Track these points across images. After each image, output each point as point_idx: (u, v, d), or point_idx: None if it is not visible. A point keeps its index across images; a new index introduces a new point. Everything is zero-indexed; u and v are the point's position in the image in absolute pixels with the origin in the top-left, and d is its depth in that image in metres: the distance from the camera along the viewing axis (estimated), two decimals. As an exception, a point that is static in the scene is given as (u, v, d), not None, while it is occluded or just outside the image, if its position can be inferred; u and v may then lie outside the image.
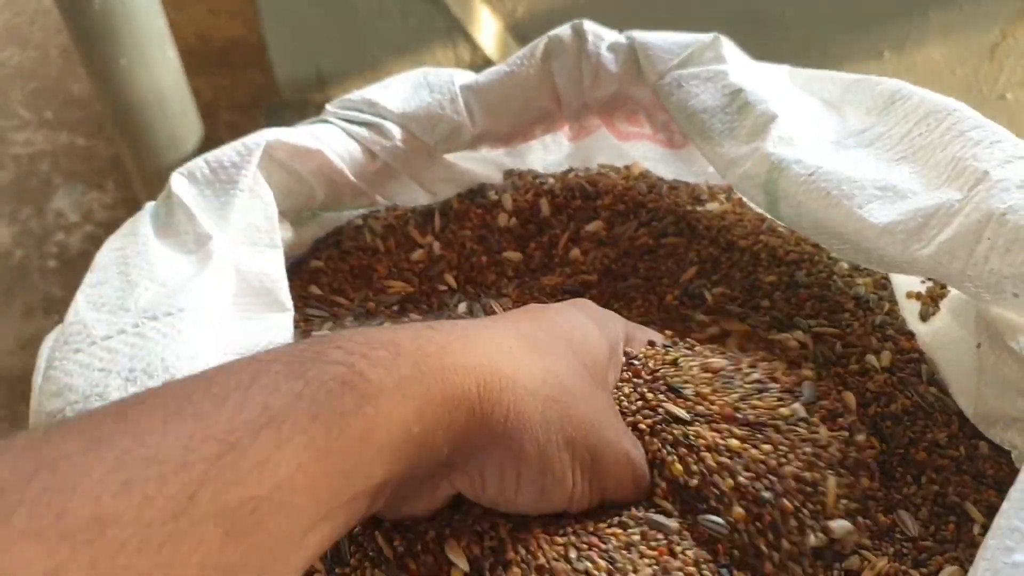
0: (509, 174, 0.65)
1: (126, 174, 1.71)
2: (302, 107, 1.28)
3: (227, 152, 0.51)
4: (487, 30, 1.26)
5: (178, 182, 0.50)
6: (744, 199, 0.61)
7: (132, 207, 1.73)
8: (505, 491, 0.41)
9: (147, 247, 0.48)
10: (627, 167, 0.65)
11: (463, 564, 0.41)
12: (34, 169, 1.81)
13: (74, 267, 1.61)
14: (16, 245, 1.67)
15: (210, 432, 0.29)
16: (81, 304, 0.46)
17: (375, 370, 0.35)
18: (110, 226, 1.66)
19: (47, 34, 2.11)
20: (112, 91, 1.15)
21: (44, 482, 0.26)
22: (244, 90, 1.85)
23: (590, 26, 0.59)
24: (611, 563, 0.40)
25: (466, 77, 0.60)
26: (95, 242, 1.65)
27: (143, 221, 0.50)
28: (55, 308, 1.52)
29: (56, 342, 0.45)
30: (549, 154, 0.66)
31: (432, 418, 0.36)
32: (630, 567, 0.40)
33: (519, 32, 1.28)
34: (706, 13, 1.26)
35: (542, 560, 0.41)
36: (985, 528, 0.42)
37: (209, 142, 1.34)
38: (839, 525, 0.41)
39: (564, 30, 0.59)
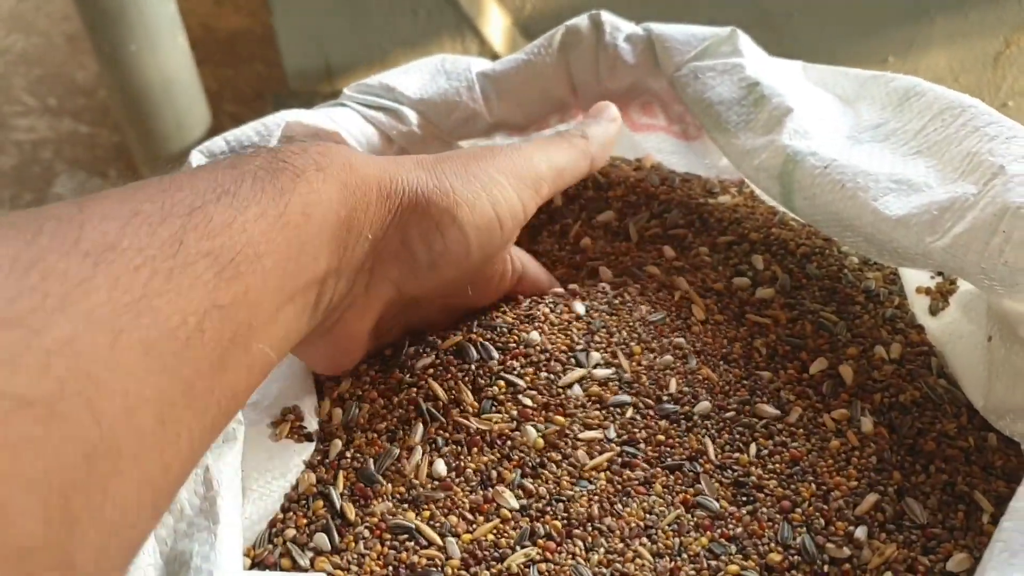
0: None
1: (129, 162, 1.71)
2: (310, 98, 1.29)
3: (246, 131, 0.52)
4: (496, 26, 1.27)
5: (198, 160, 0.50)
6: (757, 192, 0.62)
7: (134, 195, 1.73)
8: (434, 257, 0.46)
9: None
10: (639, 159, 0.65)
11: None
12: (36, 156, 1.81)
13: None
14: (16, 231, 1.67)
15: (178, 199, 0.34)
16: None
17: (294, 157, 0.40)
18: (111, 214, 1.67)
19: (52, 21, 2.11)
20: (121, 77, 1.15)
21: (52, 227, 0.30)
22: (248, 81, 1.86)
23: (607, 17, 0.59)
24: None
25: (483, 65, 0.60)
26: (96, 230, 1.65)
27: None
28: (55, 294, 1.51)
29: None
30: (562, 144, 0.66)
31: (351, 200, 0.41)
32: None
33: (527, 28, 1.28)
34: (714, 14, 1.27)
35: None
36: (995, 517, 0.42)
37: (213, 133, 1.34)
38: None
39: (582, 20, 0.59)
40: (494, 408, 0.48)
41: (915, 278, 0.56)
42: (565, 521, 0.44)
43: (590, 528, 0.43)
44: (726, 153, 0.56)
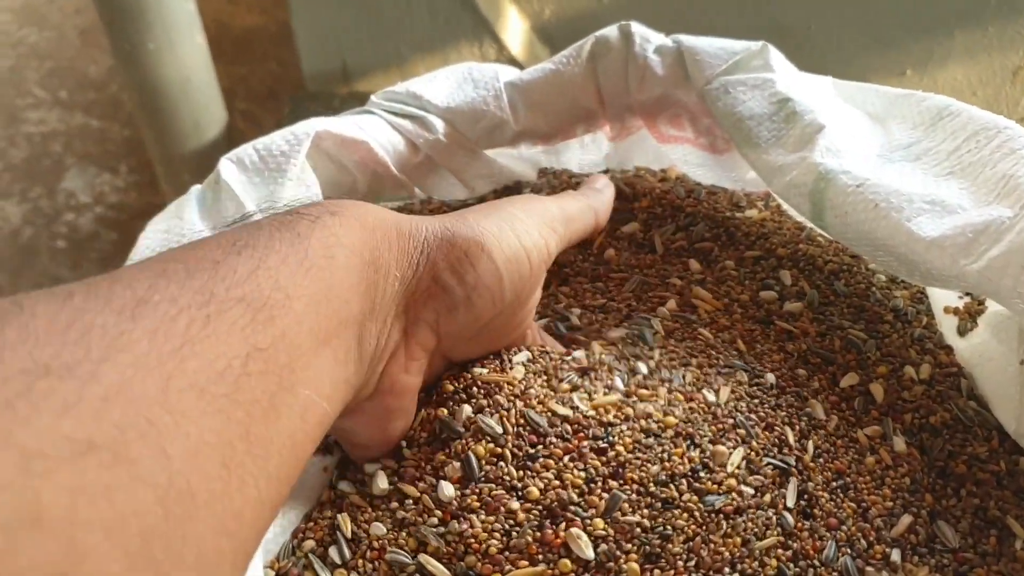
0: (543, 172, 0.65)
1: (139, 157, 1.71)
2: (327, 99, 1.28)
3: (276, 140, 0.52)
4: (514, 30, 1.26)
5: (227, 168, 0.50)
6: (784, 207, 0.61)
7: (144, 190, 1.74)
8: (467, 291, 0.44)
9: (193, 232, 0.48)
10: (664, 171, 0.65)
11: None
12: (47, 149, 1.81)
13: (83, 248, 1.61)
14: (26, 224, 1.67)
15: (200, 255, 0.34)
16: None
17: (307, 208, 0.40)
18: (121, 209, 1.67)
19: (65, 15, 2.11)
20: (138, 74, 1.15)
21: (82, 290, 0.30)
22: (261, 80, 1.85)
23: (637, 28, 0.59)
24: None
25: (511, 74, 0.60)
26: (105, 224, 1.65)
27: (189, 205, 0.50)
28: (63, 288, 1.51)
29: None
30: (587, 154, 0.66)
31: (372, 240, 0.41)
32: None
33: (545, 33, 1.28)
34: (732, 25, 1.27)
35: None
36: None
37: (228, 131, 1.34)
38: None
39: (611, 31, 0.59)
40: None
41: (943, 298, 0.55)
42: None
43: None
44: (756, 168, 0.55)
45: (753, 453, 0.45)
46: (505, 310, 0.47)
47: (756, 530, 0.42)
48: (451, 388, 0.48)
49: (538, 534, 0.41)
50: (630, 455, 0.44)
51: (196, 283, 0.33)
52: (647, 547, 0.41)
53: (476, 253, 0.44)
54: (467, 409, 0.46)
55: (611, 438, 0.45)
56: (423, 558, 0.42)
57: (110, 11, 1.11)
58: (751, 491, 0.43)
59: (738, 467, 0.44)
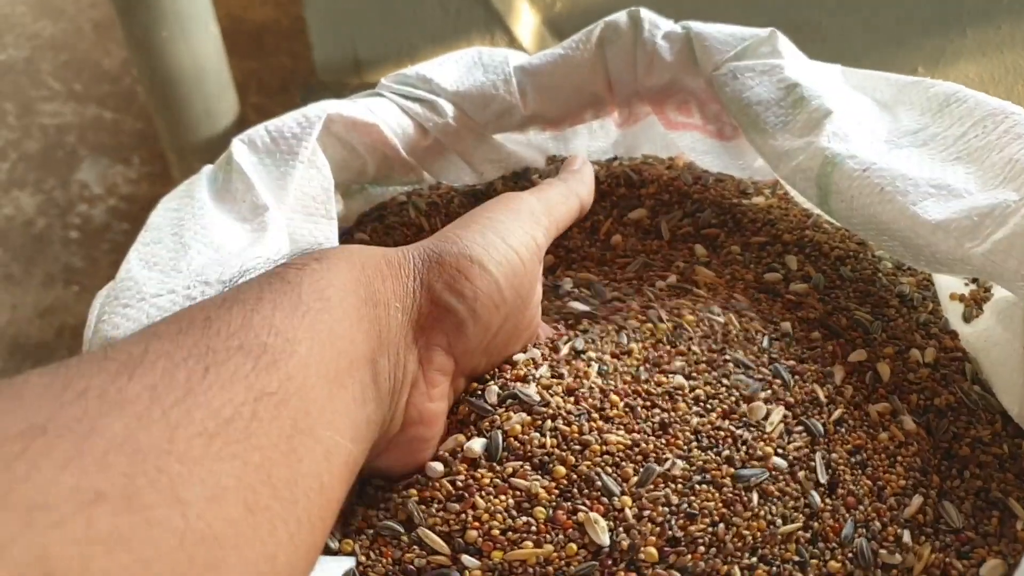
0: (552, 160, 0.65)
1: (152, 149, 1.72)
2: (338, 89, 1.29)
3: (287, 122, 0.52)
4: (525, 23, 1.27)
5: (239, 149, 0.51)
6: (791, 194, 0.62)
7: (157, 182, 1.75)
8: (469, 305, 0.44)
9: (203, 211, 0.48)
10: (671, 158, 0.65)
11: None
12: (61, 140, 1.82)
13: (95, 239, 1.62)
14: (39, 214, 1.68)
15: (192, 315, 0.35)
16: (133, 262, 0.46)
17: (292, 259, 0.40)
18: (133, 200, 1.68)
19: (80, 7, 2.12)
20: (151, 63, 1.16)
21: (76, 358, 0.31)
22: (274, 73, 1.86)
23: (646, 14, 0.59)
24: None
25: (520, 58, 0.60)
26: (118, 215, 1.66)
27: (200, 185, 0.50)
28: (75, 279, 1.52)
29: (107, 297, 0.45)
30: (595, 140, 0.66)
31: (364, 277, 0.41)
32: None
33: (556, 26, 1.28)
34: (744, 22, 1.27)
35: None
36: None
37: (240, 123, 1.35)
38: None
39: (620, 17, 0.59)
40: None
41: (949, 284, 0.55)
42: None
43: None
44: (763, 154, 0.55)
45: (791, 415, 0.45)
46: (511, 313, 0.46)
47: (784, 512, 0.42)
48: (474, 386, 0.48)
49: (551, 513, 0.42)
50: (670, 408, 0.45)
51: (190, 339, 0.33)
52: (670, 530, 0.41)
53: (467, 266, 0.44)
54: (495, 389, 0.47)
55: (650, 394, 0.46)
56: (421, 531, 0.42)
57: (124, 0, 1.11)
58: (785, 464, 0.43)
59: (779, 429, 0.45)
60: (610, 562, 0.40)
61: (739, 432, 0.44)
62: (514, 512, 0.42)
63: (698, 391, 0.46)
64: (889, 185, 0.47)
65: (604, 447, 0.43)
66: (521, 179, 0.63)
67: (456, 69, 0.59)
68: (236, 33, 1.86)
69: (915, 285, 0.55)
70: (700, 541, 0.40)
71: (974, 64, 1.34)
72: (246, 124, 1.47)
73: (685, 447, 0.43)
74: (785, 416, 0.45)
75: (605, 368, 0.47)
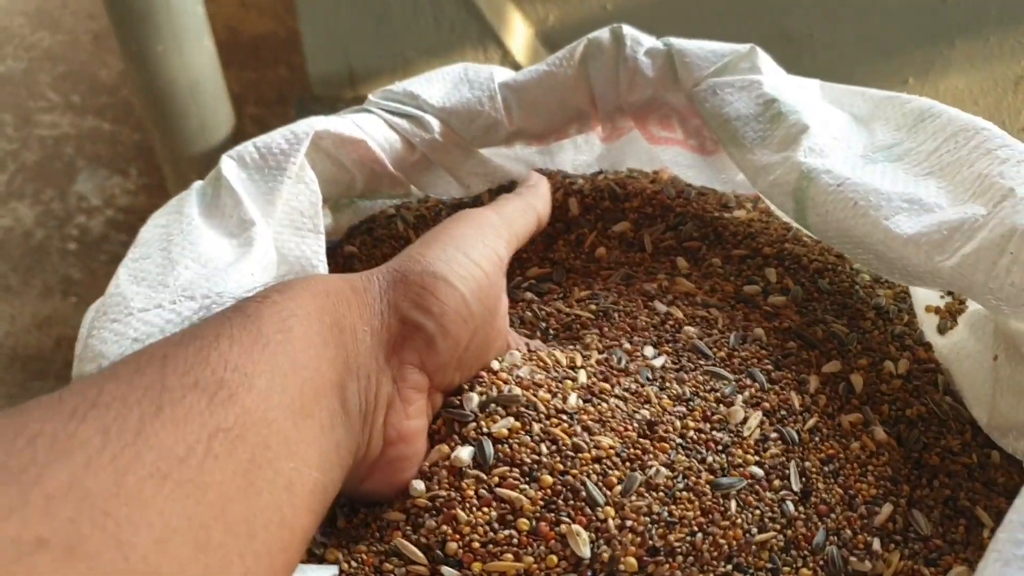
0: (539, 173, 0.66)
1: (150, 161, 1.73)
2: (333, 103, 1.30)
3: (276, 138, 0.53)
4: (518, 37, 1.28)
5: (228, 165, 0.51)
6: (771, 208, 0.63)
7: (154, 194, 1.76)
8: (438, 320, 0.44)
9: (191, 227, 0.49)
10: (655, 172, 0.66)
11: None
12: (59, 152, 1.83)
13: (93, 250, 1.63)
14: (38, 226, 1.69)
15: (149, 352, 0.35)
16: (122, 277, 0.47)
17: (254, 294, 0.41)
18: (131, 212, 1.68)
19: (78, 19, 2.13)
20: (147, 77, 1.17)
21: (32, 403, 0.31)
22: (271, 85, 1.87)
23: (628, 31, 0.60)
24: None
25: (505, 75, 0.61)
26: (115, 227, 1.67)
27: (190, 200, 0.51)
28: (73, 290, 1.53)
29: (96, 312, 0.46)
30: (580, 154, 0.67)
31: (328, 303, 0.41)
32: None
33: (549, 40, 1.29)
34: (734, 32, 1.28)
35: None
36: (995, 532, 0.43)
37: (236, 135, 1.36)
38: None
39: (603, 33, 0.60)
40: None
41: (925, 297, 0.56)
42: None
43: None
44: (742, 168, 0.56)
45: (767, 420, 0.46)
46: (479, 326, 0.47)
47: (760, 521, 0.43)
48: (451, 399, 0.48)
49: (534, 525, 0.42)
50: (649, 407, 0.46)
51: (146, 379, 0.33)
52: (650, 540, 0.41)
53: (432, 283, 0.45)
54: (474, 396, 0.47)
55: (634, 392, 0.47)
56: (398, 542, 0.43)
57: (119, 13, 1.12)
58: (762, 473, 0.44)
59: (756, 434, 0.46)
60: (590, 573, 0.41)
61: (719, 436, 0.45)
62: (496, 525, 0.43)
63: (684, 388, 0.47)
64: (863, 200, 0.48)
65: (595, 451, 0.44)
66: (507, 192, 0.64)
67: (442, 85, 0.61)
68: (233, 45, 1.88)
69: (892, 298, 0.56)
70: (678, 551, 0.41)
71: (963, 75, 1.36)
72: (242, 136, 1.48)
73: (671, 451, 0.44)
74: (762, 422, 0.46)
75: (588, 365, 0.48)
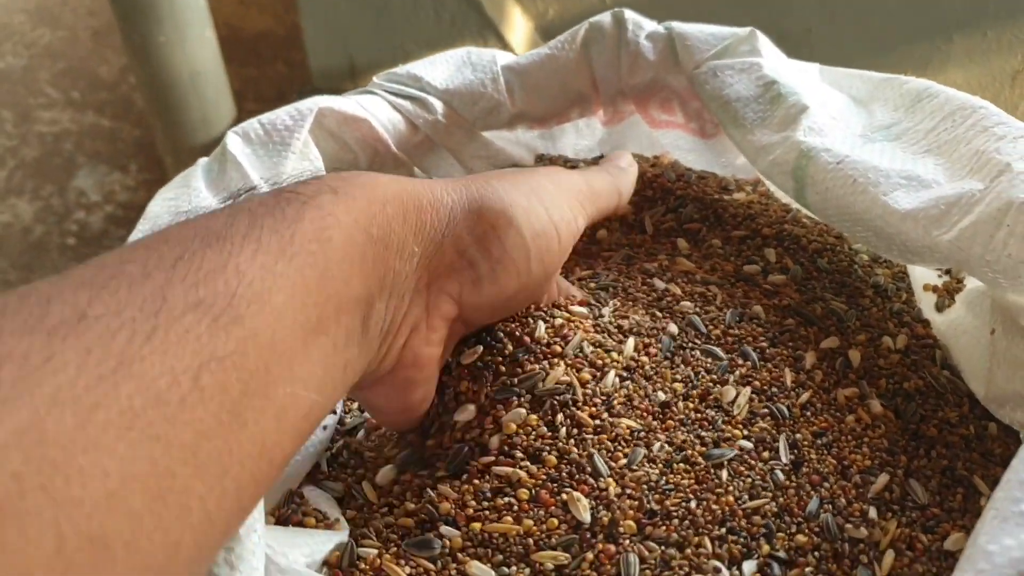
0: (540, 158, 0.67)
1: (149, 156, 1.74)
2: (334, 95, 1.31)
3: (280, 115, 0.53)
4: (518, 29, 1.28)
5: (233, 140, 0.52)
6: (771, 190, 0.63)
7: (154, 189, 1.75)
8: (493, 264, 0.43)
9: (199, 198, 0.50)
10: (656, 156, 0.67)
11: None
12: (58, 148, 1.83)
13: (93, 246, 1.63)
14: (37, 221, 1.69)
15: (162, 252, 0.31)
16: (132, 247, 0.48)
17: (303, 187, 0.37)
18: (130, 207, 1.68)
19: (78, 16, 2.14)
20: (149, 69, 1.18)
21: (14, 305, 0.28)
22: (270, 81, 1.88)
23: (630, 15, 0.61)
24: None
25: (507, 58, 0.62)
26: (115, 222, 1.67)
27: (196, 175, 0.52)
28: (73, 285, 1.53)
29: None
30: (581, 138, 0.68)
31: (383, 217, 0.38)
32: None
33: (548, 33, 1.30)
34: (733, 26, 1.28)
35: None
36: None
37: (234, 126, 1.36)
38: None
39: (604, 17, 0.61)
40: None
41: (923, 276, 0.57)
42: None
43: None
44: (741, 149, 0.57)
45: (756, 397, 0.47)
46: (530, 284, 0.46)
47: (751, 489, 0.44)
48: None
49: (534, 494, 0.43)
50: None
51: (147, 288, 0.30)
52: (648, 504, 0.42)
53: (504, 226, 0.43)
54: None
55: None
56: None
57: (123, 5, 1.13)
58: (750, 445, 0.45)
59: (744, 411, 0.47)
60: (589, 535, 0.42)
61: (712, 414, 0.46)
62: (491, 495, 0.44)
63: (688, 369, 0.48)
64: (861, 177, 0.49)
65: (614, 431, 0.45)
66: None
67: (446, 68, 0.61)
68: (233, 41, 1.88)
69: (890, 277, 0.57)
70: (674, 514, 0.42)
71: (961, 70, 1.36)
72: (243, 130, 1.49)
73: (674, 429, 0.45)
74: (751, 399, 0.47)
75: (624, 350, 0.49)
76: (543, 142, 0.67)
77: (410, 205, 0.40)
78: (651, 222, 0.61)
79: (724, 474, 0.44)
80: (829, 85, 0.58)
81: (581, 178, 0.51)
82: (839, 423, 0.47)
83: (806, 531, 0.42)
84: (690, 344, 0.50)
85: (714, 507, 0.43)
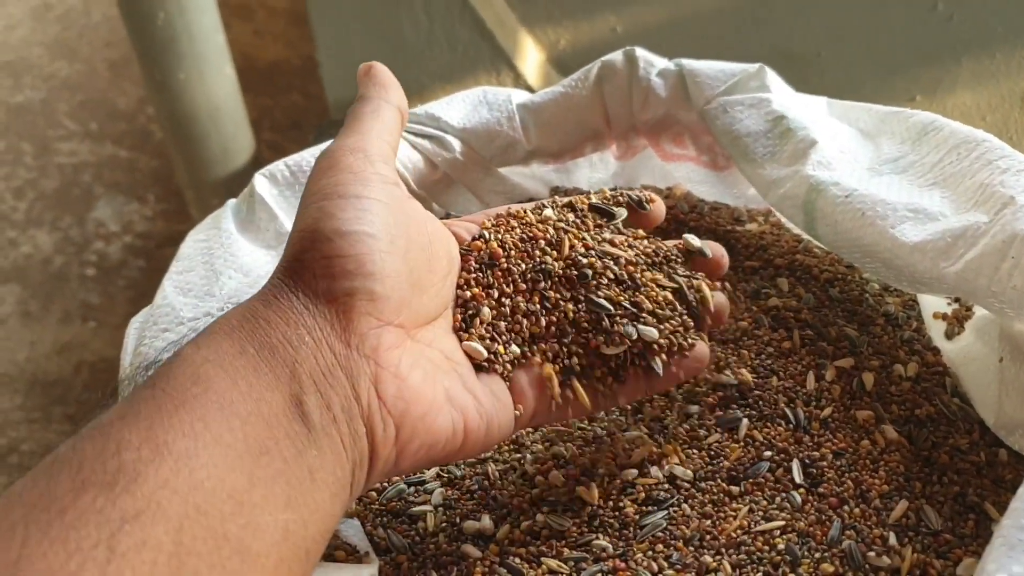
0: (555, 191, 0.68)
1: (167, 187, 1.76)
2: (349, 126, 1.32)
3: (306, 156, 0.55)
4: (530, 61, 1.30)
5: (260, 183, 0.54)
6: (783, 221, 0.65)
7: (172, 219, 1.78)
8: (370, 273, 0.39)
9: (230, 240, 0.52)
10: (669, 188, 0.68)
11: None
12: (77, 179, 1.85)
13: (112, 276, 1.64)
14: (57, 252, 1.71)
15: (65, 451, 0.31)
16: (169, 289, 0.50)
17: (162, 359, 0.39)
18: (149, 237, 1.70)
19: (95, 48, 2.16)
20: (168, 104, 1.19)
21: None
22: (285, 111, 1.90)
23: (641, 53, 0.62)
24: None
25: (522, 96, 0.63)
26: (134, 252, 1.69)
27: (226, 216, 0.54)
28: (92, 315, 1.55)
29: (145, 323, 0.49)
30: (595, 172, 0.69)
31: (249, 332, 0.37)
32: None
33: (561, 64, 1.31)
34: (743, 52, 1.29)
35: None
36: (1001, 523, 0.45)
37: (255, 159, 1.38)
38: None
39: (617, 56, 0.62)
40: None
41: (933, 304, 0.58)
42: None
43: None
44: (753, 182, 0.59)
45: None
46: (408, 241, 0.42)
47: (763, 511, 0.46)
48: None
49: None
50: None
51: (33, 493, 0.29)
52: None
53: (328, 247, 0.39)
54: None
55: None
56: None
57: (142, 42, 1.15)
58: (765, 467, 0.48)
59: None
60: None
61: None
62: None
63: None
64: (870, 210, 0.50)
65: None
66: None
67: (462, 107, 0.63)
68: (249, 71, 1.90)
69: (900, 305, 0.58)
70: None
71: (970, 92, 1.37)
72: (261, 161, 1.50)
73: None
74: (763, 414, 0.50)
75: None
76: (558, 176, 0.69)
77: (259, 308, 0.38)
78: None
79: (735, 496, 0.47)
80: (837, 118, 0.60)
81: (344, 140, 0.45)
82: (856, 443, 0.48)
83: (830, 559, 0.43)
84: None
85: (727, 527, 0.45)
